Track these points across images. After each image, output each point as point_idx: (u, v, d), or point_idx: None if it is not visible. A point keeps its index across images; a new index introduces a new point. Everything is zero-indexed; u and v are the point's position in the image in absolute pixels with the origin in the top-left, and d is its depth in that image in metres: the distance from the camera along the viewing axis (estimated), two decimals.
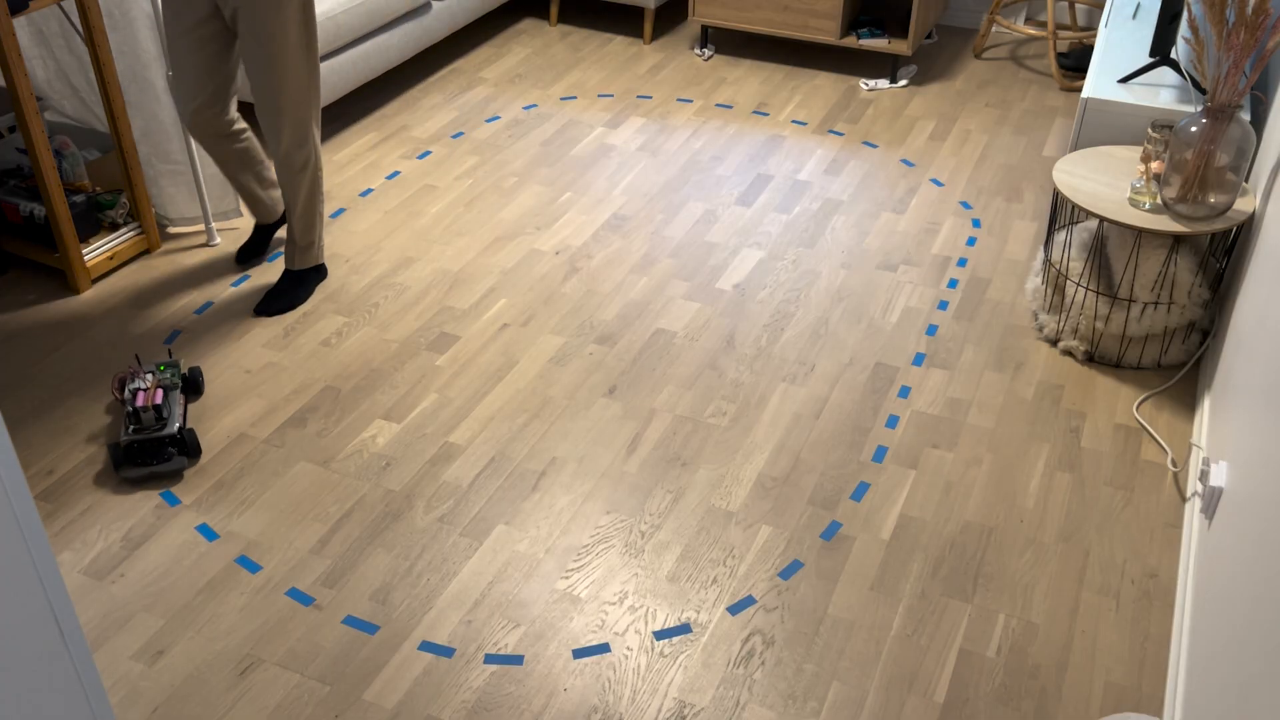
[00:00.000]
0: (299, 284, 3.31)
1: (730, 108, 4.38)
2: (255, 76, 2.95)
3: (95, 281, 3.39)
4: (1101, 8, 4.73)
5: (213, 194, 3.57)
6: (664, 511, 2.64)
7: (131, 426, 2.72)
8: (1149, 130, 2.92)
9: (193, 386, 2.94)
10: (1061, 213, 3.17)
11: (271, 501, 2.67)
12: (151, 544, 2.56)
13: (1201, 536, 2.40)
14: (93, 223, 3.40)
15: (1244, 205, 2.88)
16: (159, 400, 2.74)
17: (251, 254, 3.48)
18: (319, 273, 3.36)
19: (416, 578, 2.48)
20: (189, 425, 2.87)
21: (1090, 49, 4.59)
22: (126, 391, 2.78)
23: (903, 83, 4.56)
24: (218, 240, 3.57)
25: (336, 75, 3.99)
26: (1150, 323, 2.96)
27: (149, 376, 2.81)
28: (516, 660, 2.30)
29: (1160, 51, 3.25)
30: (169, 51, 3.03)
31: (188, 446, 2.74)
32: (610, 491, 2.69)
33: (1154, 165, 2.89)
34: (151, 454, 2.71)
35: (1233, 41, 2.65)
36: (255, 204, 3.39)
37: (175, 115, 3.42)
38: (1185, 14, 3.37)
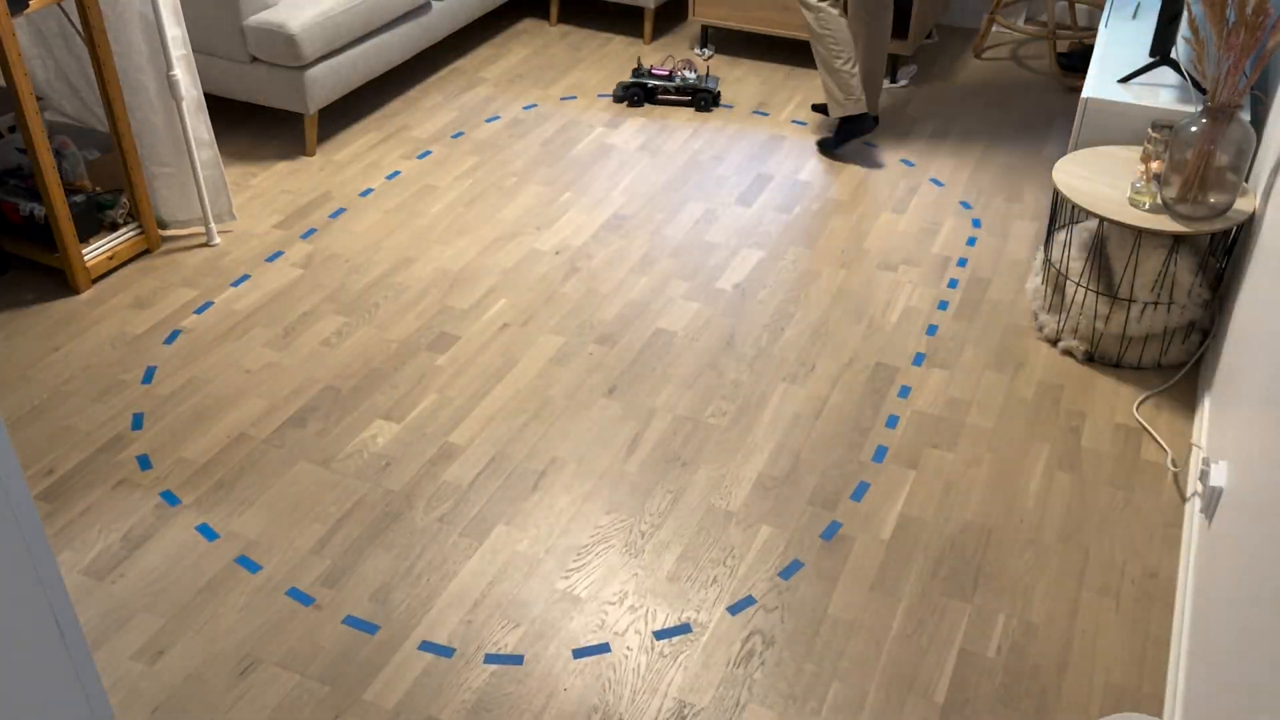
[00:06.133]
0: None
1: (730, 108, 4.38)
2: None
3: (95, 281, 3.39)
4: (1101, 8, 4.73)
5: (210, 195, 3.57)
6: (664, 511, 2.64)
7: (638, 74, 4.39)
8: (1149, 130, 2.92)
9: (708, 100, 4.29)
10: (1061, 213, 3.17)
11: (271, 501, 2.67)
12: (151, 544, 2.56)
13: (1201, 536, 2.40)
14: (93, 223, 3.40)
15: (1244, 205, 2.88)
16: (663, 73, 4.35)
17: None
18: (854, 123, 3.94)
19: (416, 578, 2.48)
20: None
21: (1090, 49, 4.59)
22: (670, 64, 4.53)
23: (903, 83, 4.56)
24: (217, 240, 3.57)
25: (337, 75, 3.99)
26: (1150, 323, 2.96)
27: (681, 70, 4.38)
28: (516, 660, 2.30)
29: (1160, 51, 3.25)
30: None
31: (701, 94, 4.30)
32: (610, 491, 2.69)
33: (1154, 165, 2.89)
34: (637, 92, 4.36)
35: (1233, 41, 2.65)
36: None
37: (167, 118, 3.42)
38: (1185, 14, 3.37)
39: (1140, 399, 2.95)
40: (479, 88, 4.52)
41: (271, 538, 2.57)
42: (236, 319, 3.25)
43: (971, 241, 3.58)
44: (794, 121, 4.28)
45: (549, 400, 2.96)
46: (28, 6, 3.00)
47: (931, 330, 3.20)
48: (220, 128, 4.23)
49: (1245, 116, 3.07)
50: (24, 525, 1.14)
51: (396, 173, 3.95)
